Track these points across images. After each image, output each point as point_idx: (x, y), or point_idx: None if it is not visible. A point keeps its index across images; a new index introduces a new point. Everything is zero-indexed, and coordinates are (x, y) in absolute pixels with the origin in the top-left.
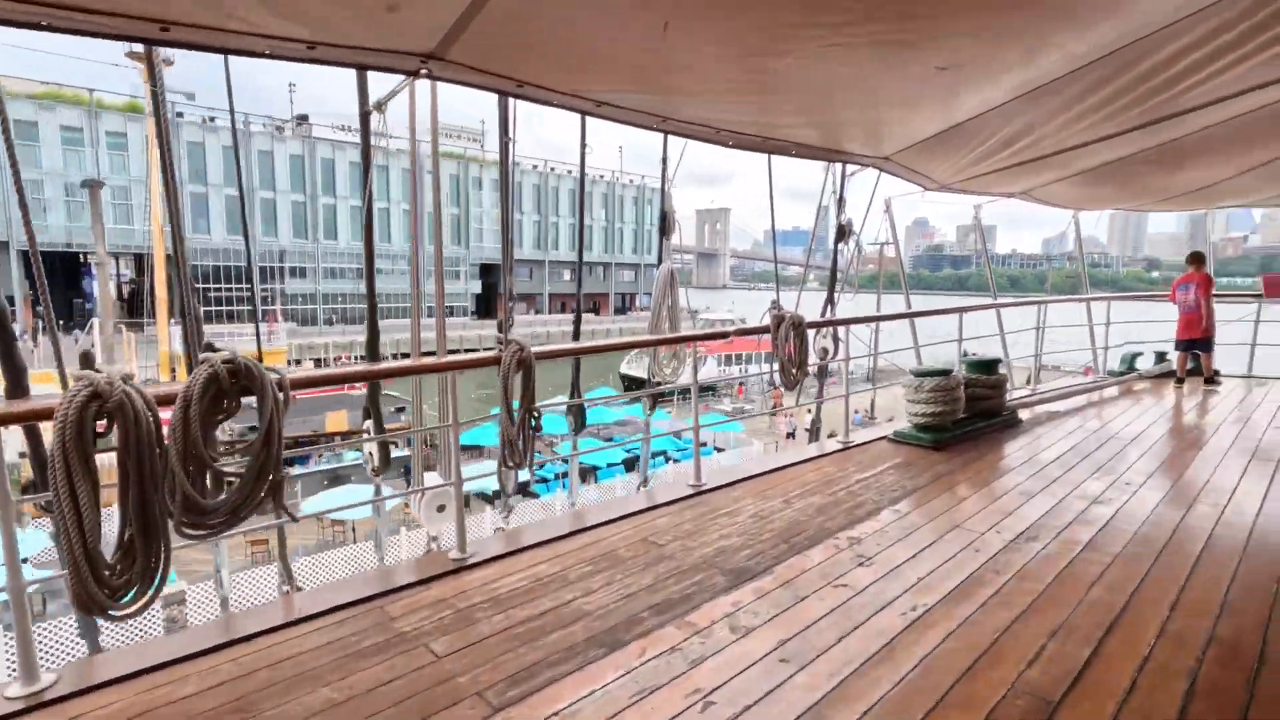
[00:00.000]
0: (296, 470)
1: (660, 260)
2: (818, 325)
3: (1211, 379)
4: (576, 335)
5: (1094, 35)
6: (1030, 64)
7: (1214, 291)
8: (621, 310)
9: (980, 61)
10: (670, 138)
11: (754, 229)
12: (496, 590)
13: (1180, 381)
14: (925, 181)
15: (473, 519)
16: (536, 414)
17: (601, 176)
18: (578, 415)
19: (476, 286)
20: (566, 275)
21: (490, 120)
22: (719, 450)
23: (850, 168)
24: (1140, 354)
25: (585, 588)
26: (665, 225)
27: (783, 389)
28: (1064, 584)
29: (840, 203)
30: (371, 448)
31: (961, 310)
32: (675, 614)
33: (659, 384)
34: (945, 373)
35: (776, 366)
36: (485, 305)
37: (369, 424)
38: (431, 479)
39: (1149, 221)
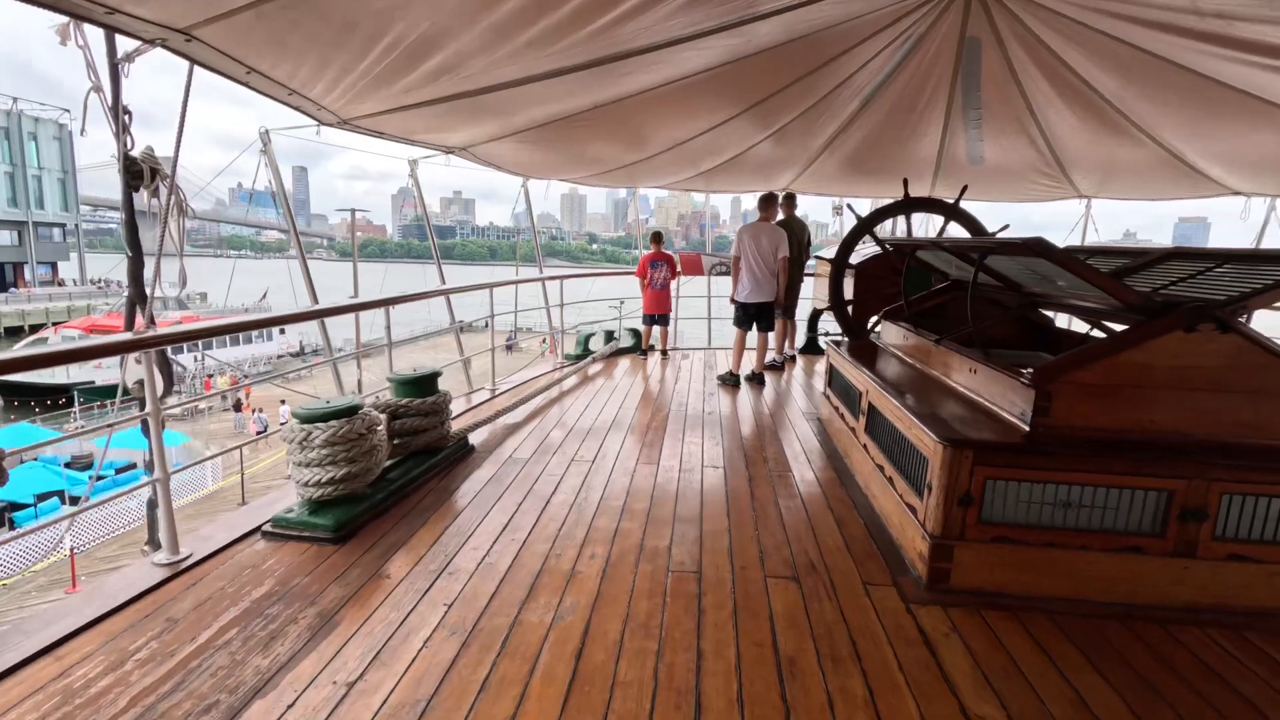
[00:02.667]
0: None
1: None
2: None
3: (665, 350)
4: None
5: None
6: None
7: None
8: (0, 286)
9: None
10: None
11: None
12: None
13: (644, 353)
14: (309, 106)
15: None
16: None
17: None
18: None
19: None
20: None
21: None
22: (123, 471)
23: (125, 46)
24: (594, 334)
25: None
26: None
27: None
28: None
29: (118, 115)
30: None
31: (388, 303)
32: None
33: None
34: (350, 411)
35: None
36: None
37: None
38: None
39: (589, 200)
